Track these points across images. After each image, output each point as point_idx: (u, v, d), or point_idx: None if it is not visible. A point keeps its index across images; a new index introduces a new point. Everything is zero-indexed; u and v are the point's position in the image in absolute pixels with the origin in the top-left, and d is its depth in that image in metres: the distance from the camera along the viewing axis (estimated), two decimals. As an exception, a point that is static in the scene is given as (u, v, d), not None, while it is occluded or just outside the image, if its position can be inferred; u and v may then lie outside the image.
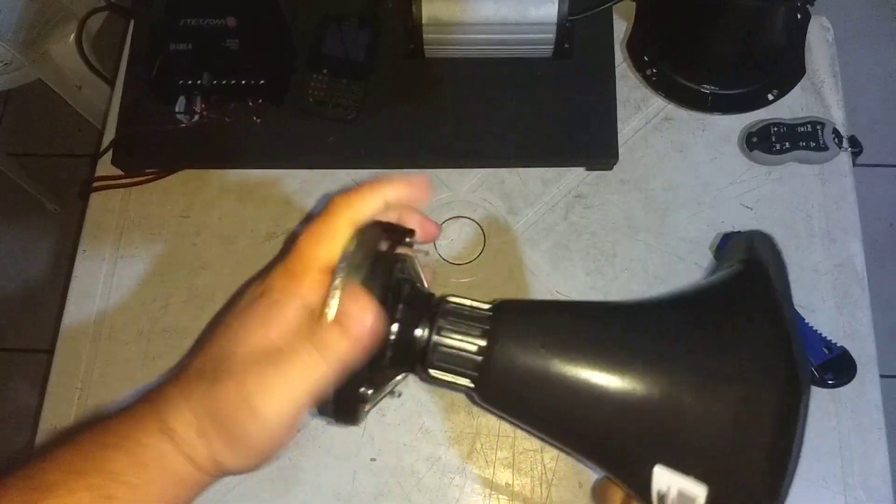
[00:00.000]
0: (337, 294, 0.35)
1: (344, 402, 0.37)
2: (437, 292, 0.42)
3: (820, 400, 0.60)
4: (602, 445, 0.40)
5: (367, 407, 0.40)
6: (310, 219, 0.38)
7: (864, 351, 0.61)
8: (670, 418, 0.36)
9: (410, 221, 0.40)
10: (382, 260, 0.38)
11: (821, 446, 0.59)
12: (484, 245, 0.67)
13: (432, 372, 0.40)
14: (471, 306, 0.41)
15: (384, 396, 0.42)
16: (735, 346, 0.37)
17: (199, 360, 0.35)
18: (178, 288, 0.66)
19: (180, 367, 0.37)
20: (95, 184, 0.70)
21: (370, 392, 0.39)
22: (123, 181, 0.70)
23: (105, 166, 0.70)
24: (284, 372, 0.33)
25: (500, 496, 0.59)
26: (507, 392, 0.40)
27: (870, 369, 0.61)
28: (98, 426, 0.34)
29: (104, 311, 0.66)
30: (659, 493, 0.37)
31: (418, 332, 0.39)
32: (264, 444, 0.34)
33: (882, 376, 0.61)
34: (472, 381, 0.40)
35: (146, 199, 0.70)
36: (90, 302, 0.67)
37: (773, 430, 0.33)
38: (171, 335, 0.65)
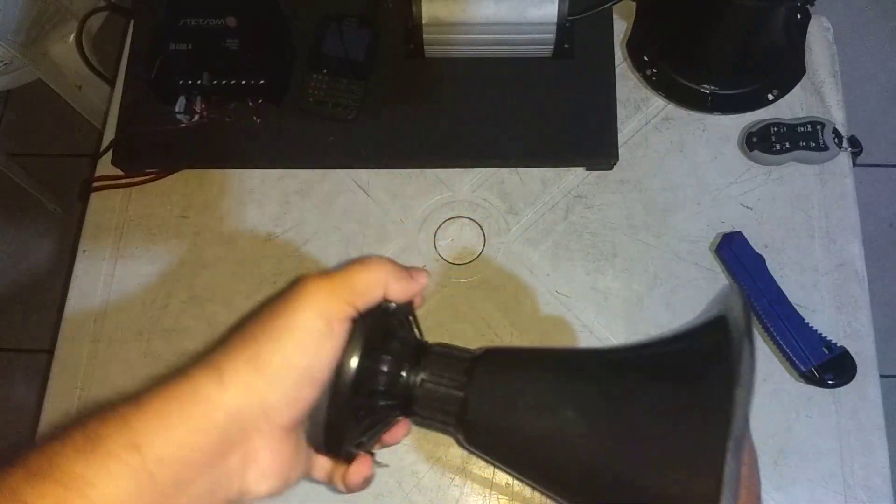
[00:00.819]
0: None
1: (333, 428, 0.39)
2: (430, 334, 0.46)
3: (820, 400, 0.60)
4: (570, 492, 0.43)
5: (357, 441, 0.42)
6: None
7: (864, 351, 0.61)
8: (635, 478, 0.39)
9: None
10: (375, 327, 0.40)
11: (821, 446, 0.59)
12: (484, 245, 0.67)
13: (417, 418, 0.44)
14: (454, 354, 0.44)
15: (376, 436, 0.45)
16: (675, 419, 0.39)
17: (238, 338, 0.37)
18: (178, 288, 0.66)
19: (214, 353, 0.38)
20: (95, 184, 0.70)
21: (364, 422, 0.42)
22: (123, 181, 0.70)
23: (105, 166, 0.70)
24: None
25: (500, 496, 0.59)
26: (481, 441, 0.44)
27: (870, 369, 0.61)
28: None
29: (104, 311, 0.66)
30: None
31: (405, 379, 0.42)
32: (295, 383, 0.36)
33: (882, 376, 0.61)
34: (453, 427, 0.43)
35: (146, 199, 0.70)
36: (90, 302, 0.67)
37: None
38: (171, 335, 0.65)
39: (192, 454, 0.33)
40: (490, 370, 0.43)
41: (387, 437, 0.45)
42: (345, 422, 0.39)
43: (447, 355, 0.44)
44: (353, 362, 0.38)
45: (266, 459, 0.36)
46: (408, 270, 0.41)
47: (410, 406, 0.43)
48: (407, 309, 0.45)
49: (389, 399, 0.42)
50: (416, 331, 0.46)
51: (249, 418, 0.35)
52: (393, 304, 0.41)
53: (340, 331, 0.36)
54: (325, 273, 0.37)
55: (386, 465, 0.44)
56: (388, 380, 0.42)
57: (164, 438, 0.33)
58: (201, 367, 0.35)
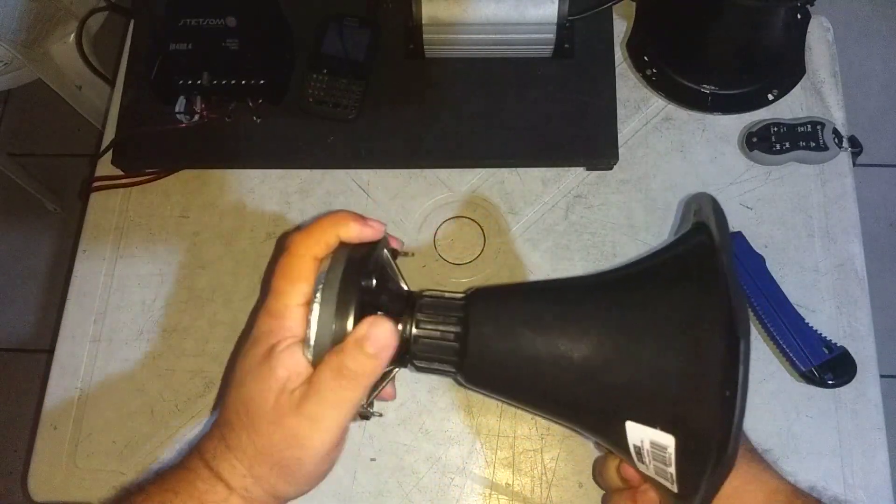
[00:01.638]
0: (315, 320, 0.38)
1: None
2: (421, 285, 0.46)
3: (820, 400, 0.60)
4: (578, 409, 0.43)
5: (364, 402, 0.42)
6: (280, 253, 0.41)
7: (864, 351, 0.61)
8: (631, 375, 0.40)
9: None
10: (355, 273, 0.40)
11: (821, 446, 0.59)
12: (484, 245, 0.67)
13: (417, 363, 0.44)
14: (445, 297, 0.44)
15: (376, 394, 0.44)
16: (681, 305, 0.40)
17: (228, 416, 0.39)
18: (177, 288, 0.66)
19: (215, 423, 0.40)
20: (95, 184, 0.70)
21: None
22: (123, 181, 0.70)
23: (105, 166, 0.70)
24: (319, 404, 0.37)
25: (500, 496, 0.59)
26: (486, 372, 0.44)
27: (870, 369, 0.61)
28: (152, 484, 0.38)
29: (104, 311, 0.66)
30: (635, 448, 0.40)
31: (399, 328, 0.42)
32: (318, 468, 0.38)
33: (882, 376, 0.61)
34: (454, 366, 0.43)
35: (146, 199, 0.70)
36: (90, 302, 0.67)
37: (719, 376, 0.36)
38: (171, 335, 0.65)
39: None
40: (482, 309, 0.43)
41: (384, 392, 0.46)
42: None
43: (437, 303, 0.44)
44: (349, 324, 0.38)
45: None
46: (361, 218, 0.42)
47: (408, 357, 0.44)
48: (388, 261, 0.45)
49: None
50: (402, 282, 0.46)
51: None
52: (375, 256, 0.42)
53: (346, 431, 0.39)
54: (307, 417, 0.38)
55: (380, 415, 0.45)
56: None
57: None
58: (205, 476, 0.38)
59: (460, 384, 0.50)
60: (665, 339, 0.39)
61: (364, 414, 0.42)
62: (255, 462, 0.37)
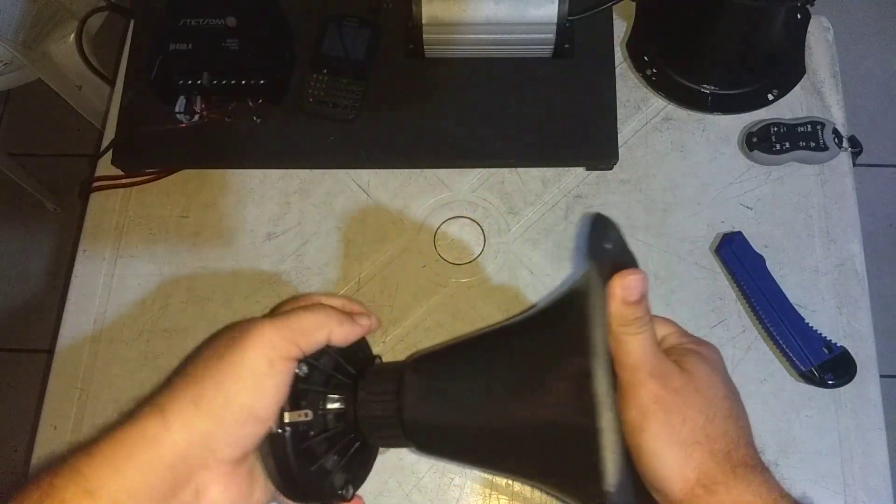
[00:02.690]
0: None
1: (286, 482, 0.40)
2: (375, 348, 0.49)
3: (820, 400, 0.60)
4: (515, 467, 0.44)
5: (329, 480, 0.43)
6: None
7: (864, 351, 0.61)
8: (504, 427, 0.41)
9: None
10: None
11: (821, 446, 0.59)
12: (484, 245, 0.67)
13: (373, 441, 0.46)
14: (383, 373, 0.46)
15: (357, 467, 0.46)
16: (540, 351, 0.42)
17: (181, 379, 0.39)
18: (177, 288, 0.66)
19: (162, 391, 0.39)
20: (95, 184, 0.70)
21: (330, 460, 0.43)
22: (123, 181, 0.70)
23: (105, 166, 0.70)
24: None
25: (500, 496, 0.59)
26: (428, 445, 0.45)
27: (870, 369, 0.61)
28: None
29: (104, 311, 0.66)
30: None
31: (349, 409, 0.44)
32: (237, 421, 0.37)
33: (882, 376, 0.61)
34: (404, 440, 0.44)
35: (146, 199, 0.70)
36: (90, 302, 0.67)
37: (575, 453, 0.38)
38: (171, 335, 0.65)
39: (144, 494, 0.34)
40: (414, 375, 0.44)
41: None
42: (293, 474, 0.40)
43: (378, 373, 0.45)
44: (285, 417, 0.39)
45: (217, 492, 0.37)
46: (350, 316, 0.43)
47: (363, 437, 0.45)
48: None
49: (344, 432, 0.44)
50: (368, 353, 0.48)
51: (195, 455, 0.36)
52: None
53: (283, 369, 0.38)
54: (271, 316, 0.39)
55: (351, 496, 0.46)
56: (333, 416, 0.43)
57: (115, 482, 0.34)
58: (147, 410, 0.36)
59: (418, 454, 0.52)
60: (518, 387, 0.41)
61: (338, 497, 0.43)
62: (191, 405, 0.37)
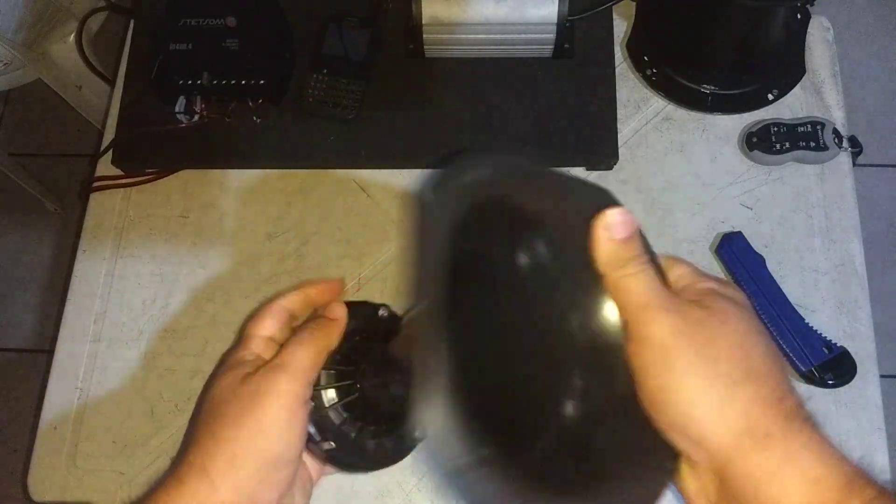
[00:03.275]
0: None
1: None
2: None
3: (820, 400, 0.60)
4: None
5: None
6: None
7: (864, 351, 0.61)
8: None
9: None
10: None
11: (821, 446, 0.59)
12: (484, 245, 0.67)
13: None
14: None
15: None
16: None
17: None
18: (177, 288, 0.66)
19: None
20: (95, 184, 0.70)
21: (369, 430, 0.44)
22: (123, 181, 0.70)
23: (105, 166, 0.70)
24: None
25: (500, 496, 0.59)
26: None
27: (870, 369, 0.61)
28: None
29: (104, 311, 0.66)
30: None
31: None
32: (271, 470, 0.39)
33: (882, 376, 0.61)
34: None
35: (146, 199, 0.70)
36: (90, 302, 0.66)
37: None
38: (171, 335, 0.65)
39: None
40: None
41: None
42: (350, 463, 0.43)
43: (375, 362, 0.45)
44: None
45: None
46: (325, 319, 0.44)
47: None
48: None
49: (365, 406, 0.45)
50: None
51: None
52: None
53: (302, 413, 0.40)
54: (272, 366, 0.41)
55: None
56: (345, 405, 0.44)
57: None
58: (191, 472, 0.39)
59: None
60: None
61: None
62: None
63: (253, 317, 0.44)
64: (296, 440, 0.40)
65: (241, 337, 0.44)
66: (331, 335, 0.43)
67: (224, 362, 0.43)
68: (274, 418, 0.39)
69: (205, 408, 0.41)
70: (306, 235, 0.67)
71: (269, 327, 0.43)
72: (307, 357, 0.41)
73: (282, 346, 0.42)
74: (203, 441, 0.40)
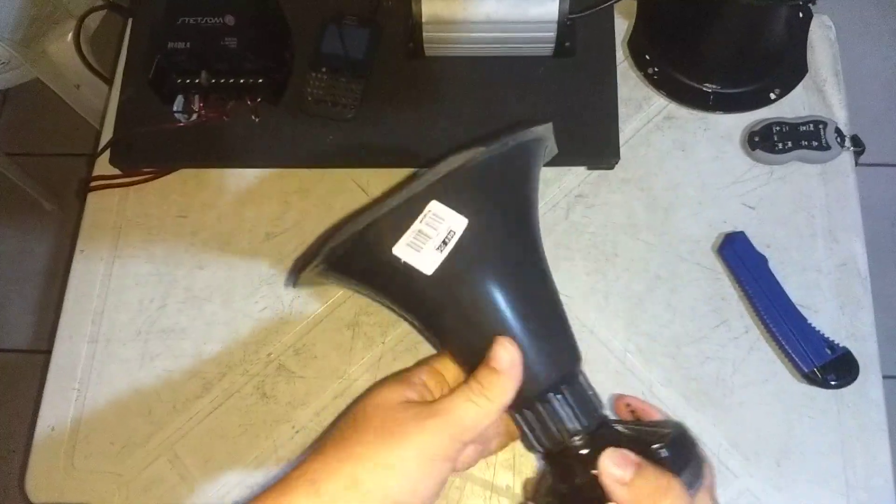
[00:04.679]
0: None
1: None
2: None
3: (822, 401, 0.60)
4: None
5: None
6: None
7: (866, 351, 0.61)
8: None
9: None
10: None
11: (823, 446, 0.59)
12: (484, 245, 0.66)
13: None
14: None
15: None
16: None
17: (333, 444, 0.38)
18: (176, 288, 0.66)
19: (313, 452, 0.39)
20: (93, 183, 0.70)
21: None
22: (121, 181, 0.70)
23: (103, 166, 0.70)
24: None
25: (501, 498, 0.59)
26: None
27: (872, 370, 0.61)
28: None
29: (102, 312, 0.66)
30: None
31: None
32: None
33: (885, 377, 0.61)
34: None
35: (144, 199, 0.69)
36: (88, 302, 0.66)
37: None
38: (169, 335, 0.65)
39: None
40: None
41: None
42: None
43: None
44: None
45: None
46: (491, 370, 0.39)
47: None
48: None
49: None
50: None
51: None
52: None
53: (443, 468, 0.37)
54: (430, 407, 0.38)
55: None
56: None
57: None
58: (299, 484, 0.36)
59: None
60: None
61: None
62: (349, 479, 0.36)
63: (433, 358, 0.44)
64: (426, 494, 0.37)
65: (421, 364, 0.43)
66: (504, 391, 0.39)
67: (392, 377, 0.41)
68: (410, 464, 0.36)
69: (353, 411, 0.39)
70: (305, 235, 0.67)
71: (446, 369, 0.43)
72: (469, 413, 0.38)
73: (453, 390, 0.39)
74: (326, 449, 0.37)
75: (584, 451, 0.41)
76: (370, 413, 0.38)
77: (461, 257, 0.40)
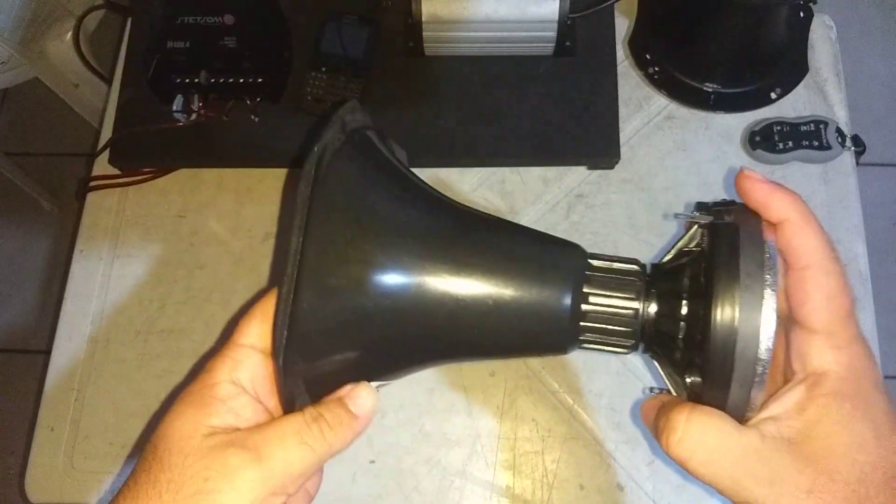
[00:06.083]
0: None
1: None
2: None
3: (823, 401, 0.60)
4: None
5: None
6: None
7: (867, 352, 0.61)
8: None
9: None
10: None
11: (824, 448, 0.59)
12: (484, 245, 0.66)
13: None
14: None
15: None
16: None
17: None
18: (175, 288, 0.66)
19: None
20: (92, 183, 0.70)
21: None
22: (120, 180, 0.69)
23: (102, 165, 0.70)
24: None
25: (501, 498, 0.58)
26: None
27: (874, 370, 0.60)
28: None
29: (101, 312, 0.66)
30: None
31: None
32: None
33: (886, 377, 0.61)
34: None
35: (143, 199, 0.69)
36: (87, 302, 0.66)
37: None
38: (168, 335, 0.64)
39: None
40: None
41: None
42: None
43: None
44: None
45: None
46: (345, 412, 0.32)
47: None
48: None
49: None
50: None
51: None
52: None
53: None
54: (244, 444, 0.30)
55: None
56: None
57: None
58: None
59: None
60: None
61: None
62: None
63: (248, 313, 0.33)
64: None
65: (225, 344, 0.33)
66: (348, 438, 0.32)
67: (190, 388, 0.32)
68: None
69: (147, 448, 0.31)
70: (305, 235, 0.67)
71: (265, 334, 0.32)
72: (302, 460, 0.30)
73: (276, 420, 0.31)
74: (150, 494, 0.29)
75: (655, 308, 0.34)
76: (162, 455, 0.30)
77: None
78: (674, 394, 0.35)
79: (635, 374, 0.61)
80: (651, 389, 0.36)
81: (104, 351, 0.64)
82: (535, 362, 0.62)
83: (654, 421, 0.32)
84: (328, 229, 0.31)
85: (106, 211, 0.69)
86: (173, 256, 0.67)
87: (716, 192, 0.67)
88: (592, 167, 0.68)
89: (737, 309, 0.29)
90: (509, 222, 0.39)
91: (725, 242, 0.31)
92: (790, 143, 0.66)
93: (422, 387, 0.61)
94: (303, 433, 0.30)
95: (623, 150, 0.67)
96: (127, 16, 0.76)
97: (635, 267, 0.36)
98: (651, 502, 0.58)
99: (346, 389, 0.32)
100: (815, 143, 0.65)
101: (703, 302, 0.30)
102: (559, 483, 0.59)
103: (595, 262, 0.36)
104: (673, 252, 0.36)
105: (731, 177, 0.67)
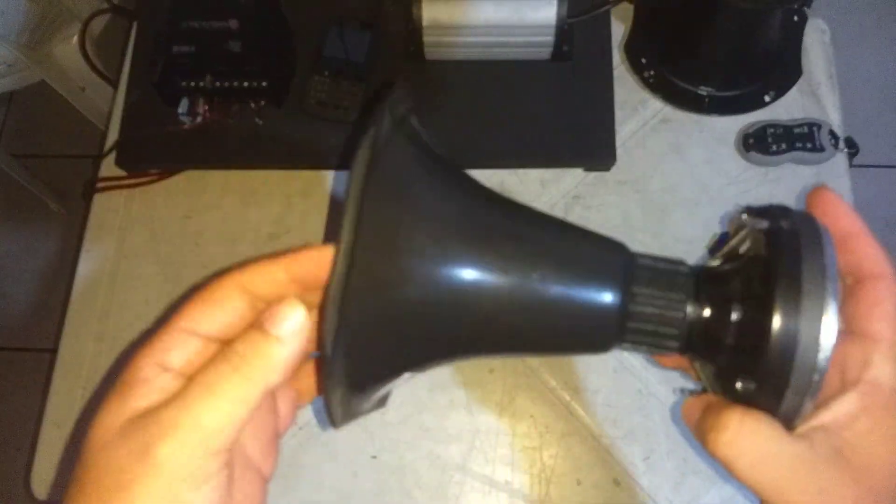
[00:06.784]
0: None
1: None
2: None
3: (816, 398, 0.61)
4: None
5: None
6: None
7: (859, 350, 0.62)
8: None
9: None
10: None
11: (816, 444, 0.60)
12: (483, 245, 0.67)
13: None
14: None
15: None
16: None
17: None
18: (180, 288, 0.67)
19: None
20: (99, 185, 0.71)
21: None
22: (126, 182, 0.71)
23: (108, 167, 0.71)
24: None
25: (500, 493, 0.59)
26: None
27: (865, 368, 0.61)
28: None
29: (107, 312, 0.67)
30: None
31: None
32: None
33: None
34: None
35: (149, 200, 0.71)
36: (94, 301, 0.67)
37: None
38: (174, 334, 0.65)
39: None
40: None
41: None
42: None
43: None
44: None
45: None
46: (259, 337, 0.27)
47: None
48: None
49: None
50: None
51: None
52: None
53: (215, 487, 0.26)
54: (158, 421, 0.26)
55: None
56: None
57: None
58: None
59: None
60: None
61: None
62: None
63: (189, 298, 0.29)
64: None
65: (157, 331, 0.28)
66: (266, 368, 0.27)
67: (120, 378, 0.28)
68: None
69: (81, 455, 0.27)
70: (308, 236, 0.68)
71: (207, 318, 0.28)
72: (218, 413, 0.26)
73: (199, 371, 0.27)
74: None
75: (704, 311, 0.33)
76: (84, 454, 0.27)
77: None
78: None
79: (631, 371, 0.62)
80: (682, 390, 0.36)
81: (110, 349, 0.65)
82: (533, 360, 0.63)
83: (698, 419, 0.32)
84: (381, 217, 0.30)
85: (112, 212, 0.70)
86: (179, 257, 0.68)
87: (711, 194, 0.68)
88: (589, 169, 0.69)
89: (798, 316, 0.29)
90: (553, 216, 0.37)
91: (787, 248, 0.31)
92: (783, 145, 0.67)
93: (422, 384, 0.63)
94: (220, 381, 0.26)
95: (619, 152, 0.68)
96: (132, 20, 0.77)
97: (684, 268, 0.34)
98: (647, 497, 0.59)
99: (267, 312, 0.28)
100: (809, 145, 0.66)
101: (760, 307, 0.30)
102: (557, 478, 0.60)
103: (642, 262, 0.35)
104: (720, 255, 0.36)
105: (726, 179, 0.68)
